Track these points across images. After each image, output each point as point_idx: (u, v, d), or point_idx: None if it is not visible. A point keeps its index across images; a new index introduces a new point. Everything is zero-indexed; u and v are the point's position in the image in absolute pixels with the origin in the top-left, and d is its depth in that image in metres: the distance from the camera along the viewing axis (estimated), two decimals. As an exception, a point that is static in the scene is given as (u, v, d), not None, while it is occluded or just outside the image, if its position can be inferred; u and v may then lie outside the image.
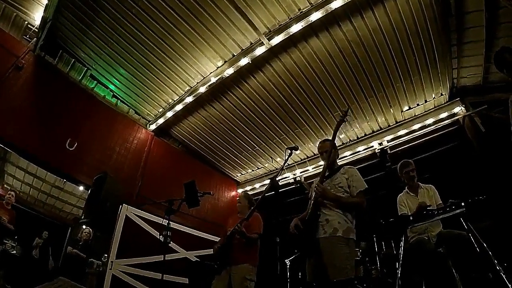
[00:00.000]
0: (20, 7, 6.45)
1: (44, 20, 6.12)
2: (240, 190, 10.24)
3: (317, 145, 3.85)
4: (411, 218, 3.97)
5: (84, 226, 7.64)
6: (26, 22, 6.60)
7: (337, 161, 3.81)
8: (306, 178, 9.12)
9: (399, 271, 3.90)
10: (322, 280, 2.93)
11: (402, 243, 4.12)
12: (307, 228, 3.18)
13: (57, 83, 6.60)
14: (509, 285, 3.05)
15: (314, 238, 3.07)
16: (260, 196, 4.09)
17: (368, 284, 5.53)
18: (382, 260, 5.74)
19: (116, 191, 5.98)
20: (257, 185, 10.08)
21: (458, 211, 3.63)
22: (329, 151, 3.50)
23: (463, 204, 3.61)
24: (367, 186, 3.29)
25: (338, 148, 8.08)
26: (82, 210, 7.57)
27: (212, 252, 4.48)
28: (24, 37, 6.58)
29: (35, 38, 6.42)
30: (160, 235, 4.70)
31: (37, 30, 6.47)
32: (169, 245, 5.92)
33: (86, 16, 6.08)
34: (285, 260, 6.52)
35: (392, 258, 5.41)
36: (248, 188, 10.26)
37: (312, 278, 3.09)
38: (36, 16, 6.60)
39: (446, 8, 5.33)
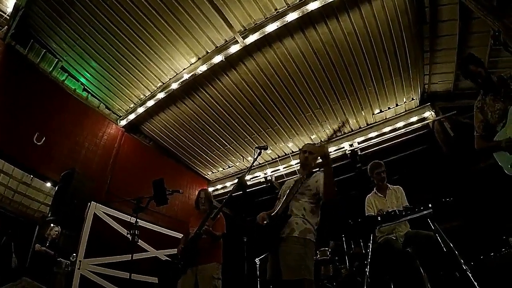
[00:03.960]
0: (-8, -7, 6.22)
1: (16, 7, 5.91)
2: (211, 189, 10.17)
3: (304, 145, 3.71)
4: (379, 219, 4.02)
5: (52, 225, 7.38)
6: (-3, 9, 6.36)
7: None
8: (277, 178, 9.18)
9: (367, 270, 3.95)
10: (277, 279, 2.94)
11: (370, 243, 4.18)
12: (272, 226, 3.17)
13: (27, 74, 6.36)
14: (475, 284, 3.13)
15: (277, 237, 3.05)
16: (227, 195, 4.07)
17: (337, 283, 5.58)
18: (351, 259, 5.81)
19: (84, 188, 5.82)
20: (228, 184, 10.09)
21: (425, 212, 3.71)
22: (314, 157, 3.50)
23: (430, 205, 3.69)
24: None
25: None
26: (49, 208, 7.32)
27: (176, 253, 4.42)
28: (-5, 24, 6.32)
29: (6, 26, 6.17)
30: (128, 233, 4.61)
31: (8, 18, 6.22)
32: (138, 244, 5.82)
33: (59, 5, 5.88)
34: (255, 260, 6.52)
35: (361, 257, 5.50)
36: (219, 186, 10.30)
37: (271, 276, 3.08)
38: (9, 3, 6.35)
39: (421, 16, 5.48)
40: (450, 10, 5.21)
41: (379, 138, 7.66)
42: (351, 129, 8.02)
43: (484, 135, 3.21)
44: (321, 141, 8.31)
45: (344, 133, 8.05)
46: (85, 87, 7.47)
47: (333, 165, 8.14)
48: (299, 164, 3.71)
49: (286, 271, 2.83)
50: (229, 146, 8.83)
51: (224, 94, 7.17)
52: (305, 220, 3.11)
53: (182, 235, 4.87)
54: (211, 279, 3.98)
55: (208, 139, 8.62)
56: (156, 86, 7.20)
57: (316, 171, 3.47)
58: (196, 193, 4.88)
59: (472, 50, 5.63)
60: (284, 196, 3.37)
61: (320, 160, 3.21)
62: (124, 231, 6.39)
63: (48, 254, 6.73)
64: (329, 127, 7.88)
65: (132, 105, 7.81)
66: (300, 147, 3.79)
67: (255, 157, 3.78)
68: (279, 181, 9.01)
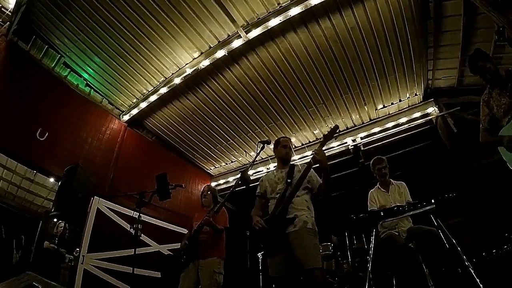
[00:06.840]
0: (-7, -11, 6.18)
1: (18, 3, 5.86)
2: (213, 183, 10.23)
3: (283, 138, 3.81)
4: (381, 214, 4.01)
5: (55, 220, 7.41)
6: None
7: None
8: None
9: (369, 266, 3.95)
10: (293, 272, 2.98)
11: (372, 238, 4.18)
12: (274, 225, 3.16)
13: (29, 70, 6.33)
14: (477, 280, 3.12)
15: (283, 233, 3.06)
16: (230, 190, 4.08)
17: (339, 278, 5.59)
18: (354, 254, 5.82)
19: (88, 183, 5.85)
20: (230, 179, 10.13)
21: (428, 207, 3.70)
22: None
23: (433, 201, 3.69)
24: None
25: (313, 143, 8.45)
26: (52, 203, 7.34)
27: (179, 247, 4.44)
28: (-3, 20, 6.30)
29: (8, 22, 6.13)
30: (131, 228, 4.64)
31: (10, 14, 6.17)
32: (141, 238, 5.85)
33: (61, 1, 5.85)
34: (257, 254, 6.54)
35: (363, 252, 5.49)
36: (221, 181, 10.32)
37: (281, 273, 3.05)
38: (11, -1, 6.33)
39: (425, 11, 5.44)
40: (454, 5, 5.17)
41: (382, 134, 7.65)
42: (354, 124, 8.02)
43: (489, 129, 3.20)
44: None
45: (347, 128, 8.06)
46: (88, 83, 7.46)
47: (336, 160, 8.22)
48: (276, 158, 3.80)
49: (307, 260, 2.87)
50: (232, 141, 8.84)
51: (227, 89, 7.16)
52: (311, 213, 3.24)
53: (187, 230, 4.88)
54: (212, 274, 4.00)
55: (211, 134, 8.63)
56: (159, 81, 7.19)
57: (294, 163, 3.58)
58: (199, 187, 4.88)
59: (476, 46, 5.56)
60: (275, 194, 3.41)
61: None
62: (127, 226, 6.40)
63: (57, 252, 6.75)
64: (332, 122, 7.85)
65: (135, 100, 7.80)
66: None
67: (258, 152, 3.81)
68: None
